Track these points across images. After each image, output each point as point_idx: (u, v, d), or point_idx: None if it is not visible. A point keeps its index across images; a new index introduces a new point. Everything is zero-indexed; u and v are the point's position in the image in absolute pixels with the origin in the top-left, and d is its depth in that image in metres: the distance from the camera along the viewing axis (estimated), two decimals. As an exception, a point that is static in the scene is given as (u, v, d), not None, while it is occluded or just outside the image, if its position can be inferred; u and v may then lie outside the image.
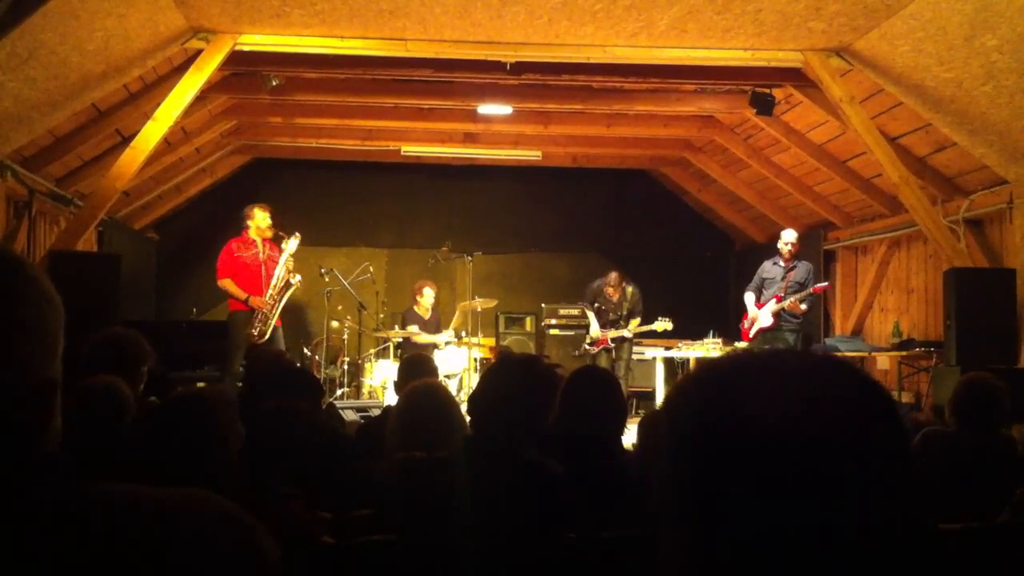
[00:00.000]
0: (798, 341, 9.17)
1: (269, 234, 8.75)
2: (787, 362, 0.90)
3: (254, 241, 8.72)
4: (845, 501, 0.80)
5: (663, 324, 9.91)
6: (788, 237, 9.25)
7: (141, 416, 3.33)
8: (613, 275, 10.15)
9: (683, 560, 0.87)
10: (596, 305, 10.23)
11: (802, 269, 9.20)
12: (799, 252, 9.33)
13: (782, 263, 9.23)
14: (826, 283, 9.15)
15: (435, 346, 10.26)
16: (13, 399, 0.90)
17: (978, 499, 3.32)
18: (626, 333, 9.96)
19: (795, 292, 9.03)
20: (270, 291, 8.51)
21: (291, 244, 8.72)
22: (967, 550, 2.87)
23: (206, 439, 2.75)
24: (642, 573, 2.47)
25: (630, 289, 10.13)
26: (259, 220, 8.71)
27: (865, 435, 0.84)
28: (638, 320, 9.96)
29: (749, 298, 9.44)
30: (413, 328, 10.29)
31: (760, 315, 9.23)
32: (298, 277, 8.70)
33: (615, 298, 10.11)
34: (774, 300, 9.14)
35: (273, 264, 8.67)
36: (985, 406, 3.87)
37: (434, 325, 10.58)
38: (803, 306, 9.03)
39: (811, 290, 9.02)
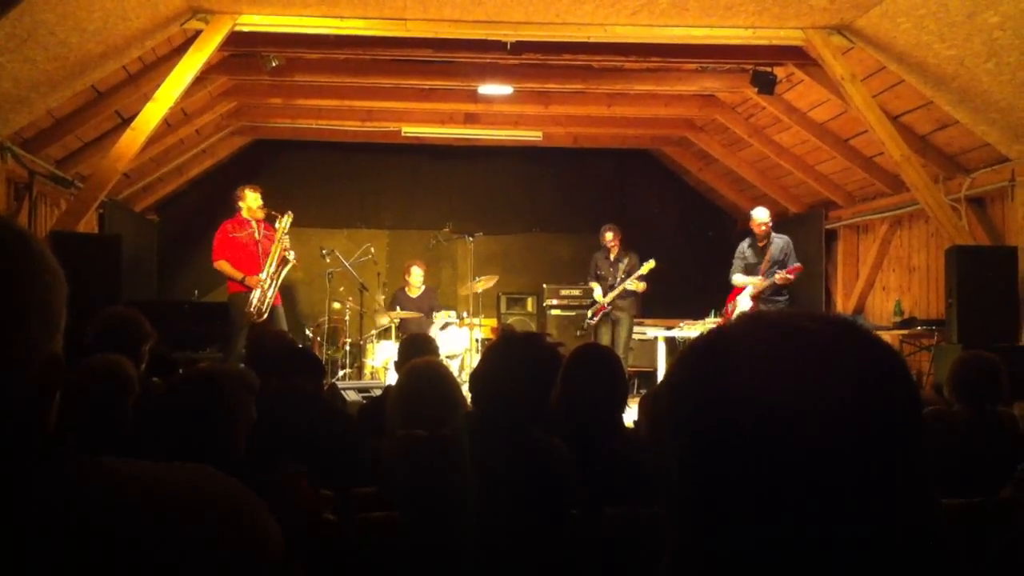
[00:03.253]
0: None
1: (261, 214, 8.78)
2: (790, 333, 0.87)
3: (248, 222, 8.77)
4: (849, 488, 0.78)
5: (647, 265, 9.87)
6: (760, 216, 9.24)
7: (144, 396, 3.34)
8: (610, 224, 10.18)
9: (685, 540, 0.86)
10: (599, 274, 10.25)
11: (777, 246, 9.17)
12: (771, 229, 9.29)
13: (757, 244, 9.25)
14: (798, 265, 9.05)
15: (430, 322, 10.30)
16: (18, 373, 0.90)
17: (978, 476, 3.33)
18: (628, 284, 9.92)
19: (775, 270, 9.01)
20: (267, 269, 8.55)
21: (284, 222, 8.74)
22: (968, 526, 2.87)
23: (217, 418, 2.76)
24: (642, 550, 2.48)
25: (627, 257, 10.10)
26: (250, 201, 8.77)
27: (872, 414, 0.81)
28: (640, 280, 9.92)
29: (737, 277, 9.38)
30: (397, 309, 10.31)
31: (739, 300, 9.24)
32: (293, 254, 8.75)
33: (615, 251, 10.09)
34: (750, 286, 9.15)
35: (269, 243, 8.73)
36: (982, 383, 3.87)
37: (427, 304, 10.58)
38: (776, 277, 8.99)
39: (776, 279, 8.94)
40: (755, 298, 9.12)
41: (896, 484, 0.80)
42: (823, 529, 0.78)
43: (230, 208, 8.89)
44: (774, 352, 0.85)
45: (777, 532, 0.79)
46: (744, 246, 9.42)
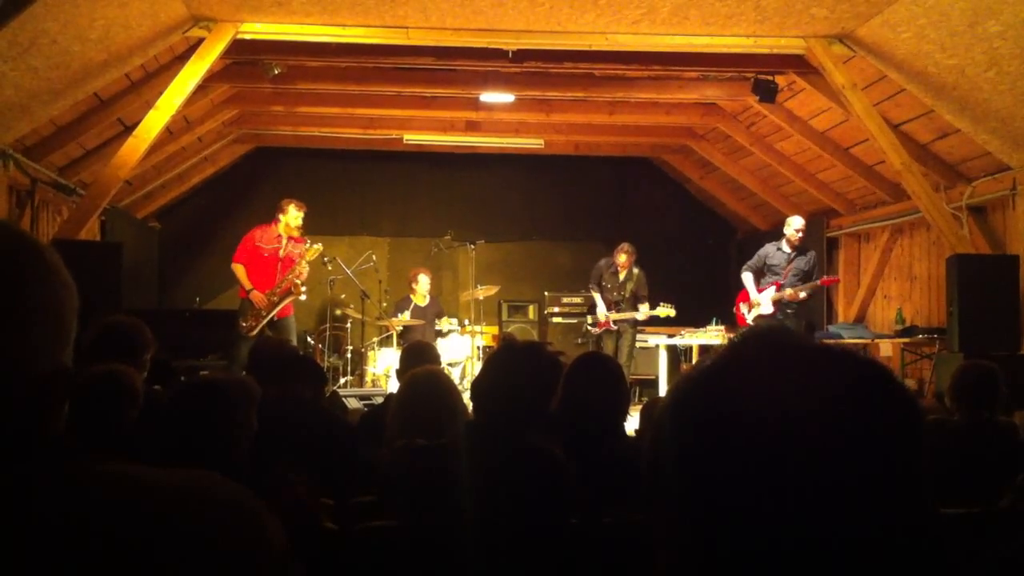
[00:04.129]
0: (800, 328, 9.06)
1: (296, 234, 8.74)
2: (795, 352, 0.87)
3: (279, 236, 8.72)
4: (850, 504, 0.79)
5: (666, 310, 9.87)
6: (797, 224, 9.07)
7: (147, 404, 3.34)
8: (627, 245, 10.16)
9: (685, 541, 0.86)
10: (602, 284, 10.24)
11: (805, 258, 9.09)
12: (805, 240, 9.22)
13: (787, 249, 9.12)
14: (836, 277, 9.07)
15: (438, 332, 10.29)
16: (28, 383, 0.91)
17: (979, 485, 3.33)
18: (639, 315, 9.93)
19: (796, 280, 8.96)
20: (275, 289, 8.48)
21: (311, 253, 8.66)
22: (968, 535, 2.87)
23: (220, 427, 2.76)
24: (643, 558, 2.48)
25: (636, 271, 10.12)
26: (291, 218, 8.70)
27: (875, 435, 0.82)
28: (648, 306, 9.92)
29: (748, 278, 9.28)
30: (405, 315, 10.29)
31: (761, 301, 9.17)
32: (304, 291, 8.63)
33: (623, 273, 10.09)
34: (773, 288, 9.05)
35: (290, 263, 8.64)
36: (983, 392, 3.87)
37: (433, 312, 10.58)
38: (803, 295, 8.95)
39: (819, 282, 8.95)
40: (776, 303, 9.05)
41: (895, 487, 0.81)
42: (824, 530, 0.79)
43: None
44: (777, 363, 0.86)
45: (778, 533, 0.79)
46: (771, 249, 9.25)
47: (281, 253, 8.65)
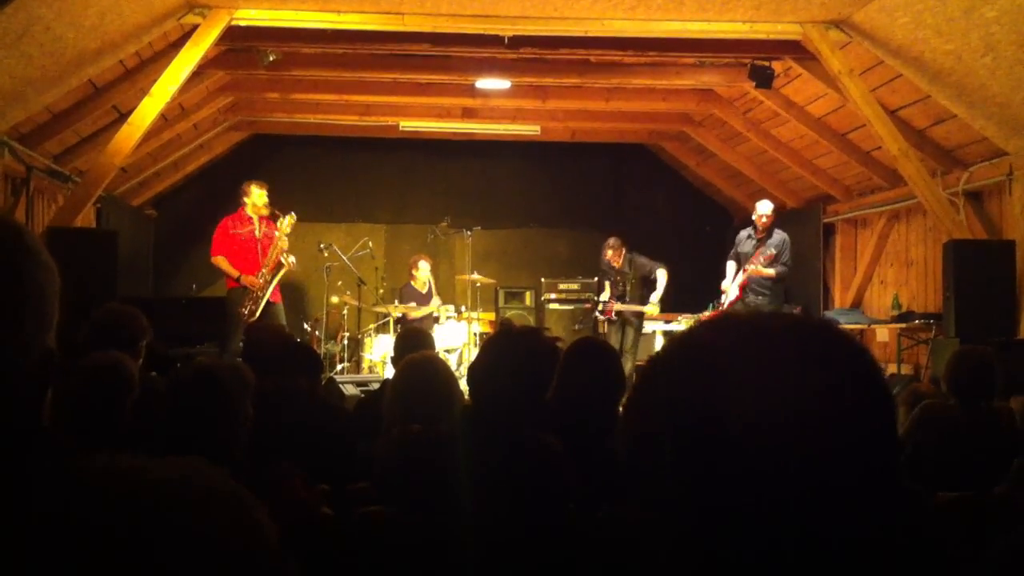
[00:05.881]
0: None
1: (265, 212, 8.73)
2: (763, 336, 0.87)
3: (250, 218, 8.72)
4: (831, 487, 0.79)
5: (653, 304, 9.90)
6: (762, 209, 9.09)
7: (144, 392, 3.34)
8: (611, 239, 10.15)
9: (681, 540, 0.86)
10: (609, 278, 10.27)
11: (773, 241, 9.02)
12: (773, 224, 9.12)
13: (755, 236, 9.13)
14: (769, 272, 8.94)
15: (435, 318, 10.30)
16: (13, 368, 0.91)
17: (975, 471, 3.33)
18: (649, 309, 9.93)
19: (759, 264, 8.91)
20: (263, 270, 8.51)
21: (286, 224, 8.68)
22: (964, 521, 2.88)
23: (218, 413, 2.76)
24: (639, 547, 2.48)
25: (632, 265, 10.10)
26: (255, 197, 8.70)
27: (848, 415, 0.82)
28: (657, 305, 9.93)
29: (730, 267, 9.34)
30: (411, 304, 10.30)
31: (730, 288, 9.19)
32: (292, 259, 8.68)
33: (617, 264, 10.10)
34: (741, 272, 9.08)
35: (269, 242, 8.67)
36: (978, 379, 3.88)
37: (431, 299, 10.60)
38: (769, 271, 8.88)
39: (770, 253, 8.84)
40: (743, 287, 9.06)
41: (873, 481, 0.81)
42: (823, 529, 0.78)
43: (233, 203, 8.85)
44: (748, 358, 0.85)
45: (777, 533, 0.79)
46: (743, 235, 9.34)
47: (257, 234, 8.70)
